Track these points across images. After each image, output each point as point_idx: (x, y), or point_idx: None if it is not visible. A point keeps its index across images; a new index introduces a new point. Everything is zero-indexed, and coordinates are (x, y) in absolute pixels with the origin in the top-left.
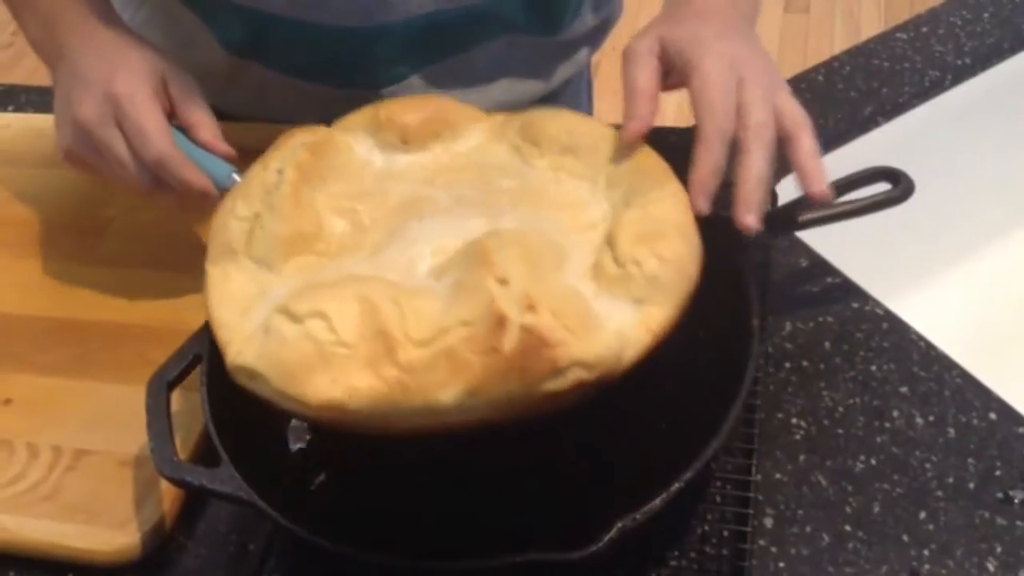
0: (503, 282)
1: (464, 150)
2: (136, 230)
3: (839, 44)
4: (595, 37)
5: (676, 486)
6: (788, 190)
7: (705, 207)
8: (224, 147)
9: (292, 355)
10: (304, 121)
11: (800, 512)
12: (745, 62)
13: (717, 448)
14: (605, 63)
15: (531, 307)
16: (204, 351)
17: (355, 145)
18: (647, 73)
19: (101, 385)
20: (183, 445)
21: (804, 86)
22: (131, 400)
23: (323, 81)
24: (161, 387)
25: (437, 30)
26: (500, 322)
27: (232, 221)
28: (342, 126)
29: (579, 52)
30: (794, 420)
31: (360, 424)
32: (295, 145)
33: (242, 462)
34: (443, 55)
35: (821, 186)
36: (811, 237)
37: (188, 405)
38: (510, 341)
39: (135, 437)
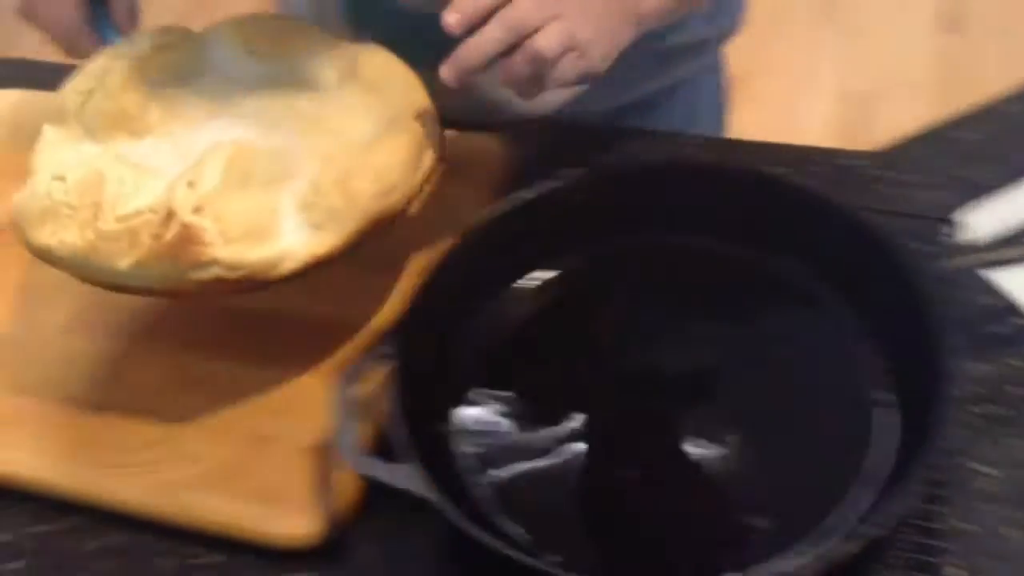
0: (191, 184)
1: (300, 67)
2: None
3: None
4: (702, 49)
5: (875, 531)
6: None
7: (448, 76)
8: (129, 27)
9: (34, 206)
10: None
11: (988, 563)
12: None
13: (915, 493)
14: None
15: (198, 209)
16: (394, 351)
17: (211, 45)
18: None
19: (283, 374)
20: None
21: (992, 116)
22: (312, 390)
23: (410, 60)
24: (349, 382)
25: None
26: (169, 215)
27: (71, 92)
28: (211, 26)
29: (680, 63)
30: (981, 467)
31: (70, 272)
32: (145, 39)
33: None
34: None
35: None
36: (999, 276)
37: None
38: (170, 232)
39: (316, 427)
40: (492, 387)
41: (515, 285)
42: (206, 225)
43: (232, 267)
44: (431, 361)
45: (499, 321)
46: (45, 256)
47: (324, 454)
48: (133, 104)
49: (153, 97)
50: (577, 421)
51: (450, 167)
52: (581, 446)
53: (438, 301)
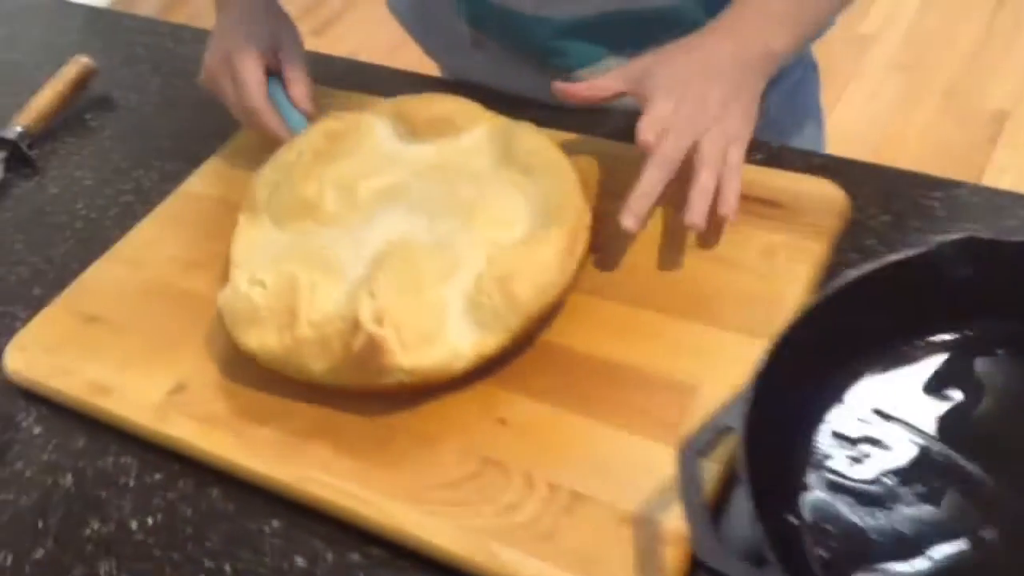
0: (372, 295)
1: (461, 147)
2: (636, 266)
3: None
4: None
5: None
6: None
7: (628, 224)
8: (305, 104)
9: (239, 309)
10: (528, 94)
11: None
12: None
13: None
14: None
15: (379, 319)
16: (737, 424)
17: (377, 129)
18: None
19: (599, 425)
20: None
21: None
22: (631, 450)
23: (528, 61)
24: (692, 458)
25: (627, 23)
26: (356, 326)
27: (260, 186)
28: (376, 108)
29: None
30: None
31: (274, 368)
32: (319, 131)
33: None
34: (635, 45)
35: (691, 217)
36: None
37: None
38: (359, 341)
39: (636, 493)
40: (846, 472)
41: (876, 352)
42: (388, 335)
43: (411, 373)
44: (779, 437)
45: (855, 392)
46: (250, 355)
47: (649, 527)
48: (313, 193)
49: (329, 186)
50: (961, 517)
51: (783, 211)
52: (960, 548)
53: (789, 366)
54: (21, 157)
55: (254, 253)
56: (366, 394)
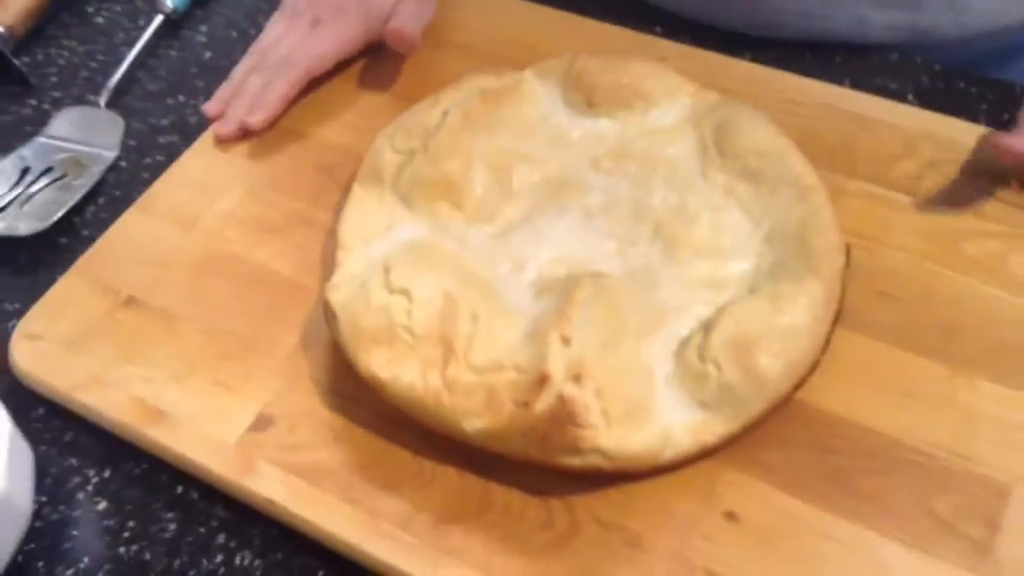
0: (566, 341)
1: (650, 127)
2: (913, 299)
3: None
4: None
5: None
6: None
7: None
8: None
9: (368, 320)
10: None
11: None
12: None
13: None
14: None
15: (577, 377)
16: None
17: (541, 95)
18: None
19: (867, 533)
20: None
21: None
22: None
23: None
24: None
25: None
26: (543, 380)
27: (388, 151)
28: (541, 68)
29: None
30: None
31: (390, 403)
32: (473, 89)
33: None
34: None
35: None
36: None
37: None
38: (543, 403)
39: None
40: None
41: None
42: (588, 402)
43: (612, 457)
44: None
45: None
46: (372, 383)
47: None
48: (458, 171)
49: (479, 163)
50: None
51: None
52: None
53: None
54: (4, 67)
55: (373, 238)
56: (532, 466)
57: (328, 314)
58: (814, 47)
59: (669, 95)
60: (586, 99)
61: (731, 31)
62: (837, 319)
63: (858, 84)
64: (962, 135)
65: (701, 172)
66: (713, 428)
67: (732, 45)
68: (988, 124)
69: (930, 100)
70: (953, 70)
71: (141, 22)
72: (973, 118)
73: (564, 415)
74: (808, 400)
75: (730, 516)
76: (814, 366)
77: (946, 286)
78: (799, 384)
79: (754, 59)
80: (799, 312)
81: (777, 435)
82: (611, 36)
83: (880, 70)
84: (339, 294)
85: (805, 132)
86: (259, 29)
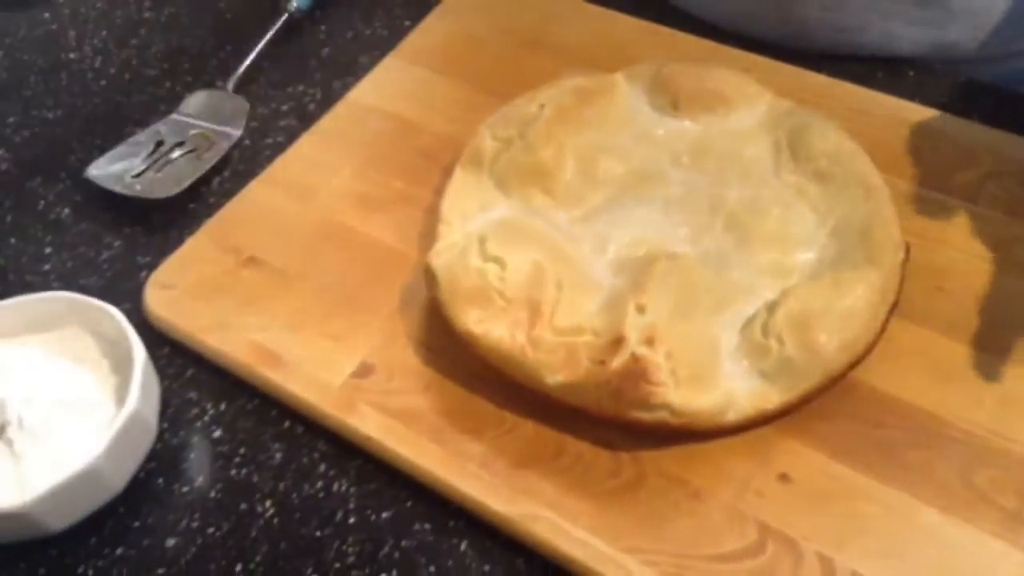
0: (641, 309)
1: (729, 129)
2: (966, 289)
3: None
4: None
5: None
6: None
7: None
8: None
9: (465, 282)
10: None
11: None
12: None
13: None
14: None
15: (650, 340)
16: None
17: (630, 96)
18: None
19: (914, 503)
20: None
21: None
22: (955, 544)
23: None
24: None
25: None
26: (618, 341)
27: (488, 138)
28: (631, 72)
29: None
30: None
31: (488, 358)
32: (566, 87)
33: None
34: None
35: None
36: None
37: None
38: (618, 361)
39: None
40: None
41: None
42: (659, 362)
43: (679, 413)
44: None
45: None
46: (466, 337)
47: None
48: (550, 159)
49: (570, 153)
50: None
51: None
52: None
53: None
54: None
55: (471, 214)
56: (605, 421)
57: (429, 277)
58: (886, 64)
59: (748, 101)
60: (671, 101)
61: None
62: (894, 308)
63: (926, 101)
64: (1020, 150)
65: (775, 172)
66: (772, 396)
67: (810, 60)
68: None
69: (992, 118)
70: (1016, 94)
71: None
72: None
73: (637, 372)
74: (863, 379)
75: (783, 477)
76: (870, 348)
77: (996, 286)
78: (855, 363)
79: (830, 74)
80: (857, 297)
81: (832, 409)
82: (695, 47)
83: (947, 90)
84: (440, 260)
85: (873, 140)
86: (373, 29)
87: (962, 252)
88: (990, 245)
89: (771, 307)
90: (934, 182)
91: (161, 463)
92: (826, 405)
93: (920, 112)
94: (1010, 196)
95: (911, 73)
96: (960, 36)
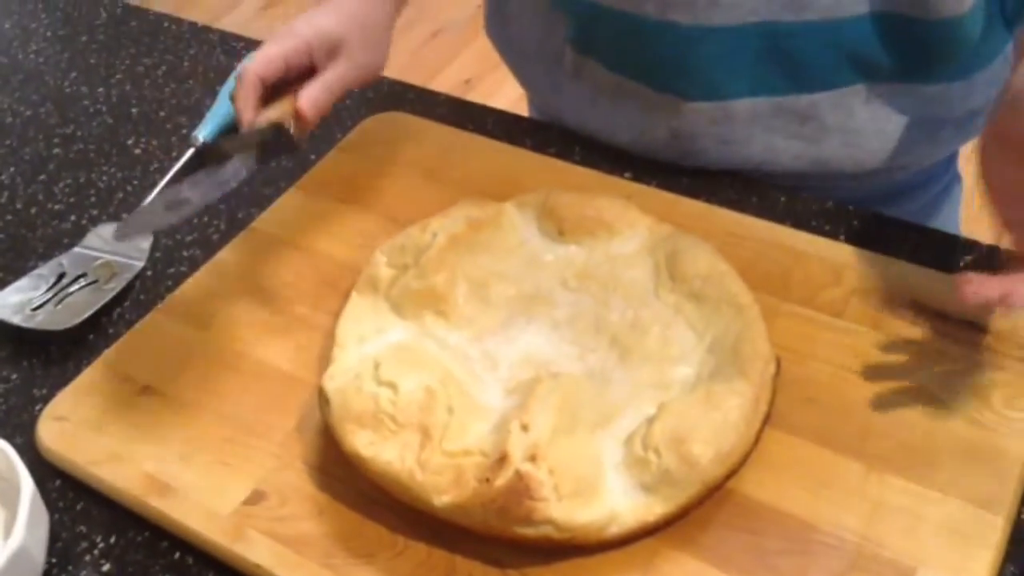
0: (525, 427)
1: (612, 253)
2: (831, 400)
3: None
4: (978, 118)
5: None
6: None
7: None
8: (304, 103)
9: (357, 406)
10: (616, 140)
11: None
12: None
13: None
14: None
15: (533, 456)
16: None
17: (520, 223)
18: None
19: None
20: None
21: None
22: None
23: (645, 81)
24: None
25: (774, 52)
26: (503, 459)
27: (383, 265)
28: (520, 200)
29: (953, 136)
30: None
31: (376, 481)
32: (459, 216)
33: None
34: (783, 87)
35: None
36: None
37: None
38: (503, 479)
39: None
40: None
41: None
42: (542, 478)
43: (562, 528)
44: None
45: None
46: (356, 460)
47: None
48: (443, 283)
49: (462, 278)
50: None
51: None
52: None
53: None
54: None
55: (365, 338)
56: (491, 539)
57: (322, 399)
58: (761, 192)
59: (629, 226)
60: (558, 228)
61: (667, 163)
62: (767, 420)
63: (796, 223)
64: (883, 268)
65: (655, 292)
66: (653, 508)
67: (689, 187)
68: (909, 261)
69: (857, 238)
70: (879, 216)
71: (174, 154)
72: (895, 255)
73: (520, 488)
74: (739, 489)
75: None
76: (745, 459)
77: (863, 394)
78: (731, 473)
79: (708, 200)
80: (729, 409)
81: (711, 518)
82: (582, 176)
83: (817, 214)
84: (333, 383)
85: (745, 261)
86: (278, 162)
87: (830, 364)
88: (854, 357)
89: (650, 421)
90: (803, 299)
91: None
92: (706, 515)
93: (790, 235)
94: (874, 311)
95: (783, 199)
96: (835, 153)
